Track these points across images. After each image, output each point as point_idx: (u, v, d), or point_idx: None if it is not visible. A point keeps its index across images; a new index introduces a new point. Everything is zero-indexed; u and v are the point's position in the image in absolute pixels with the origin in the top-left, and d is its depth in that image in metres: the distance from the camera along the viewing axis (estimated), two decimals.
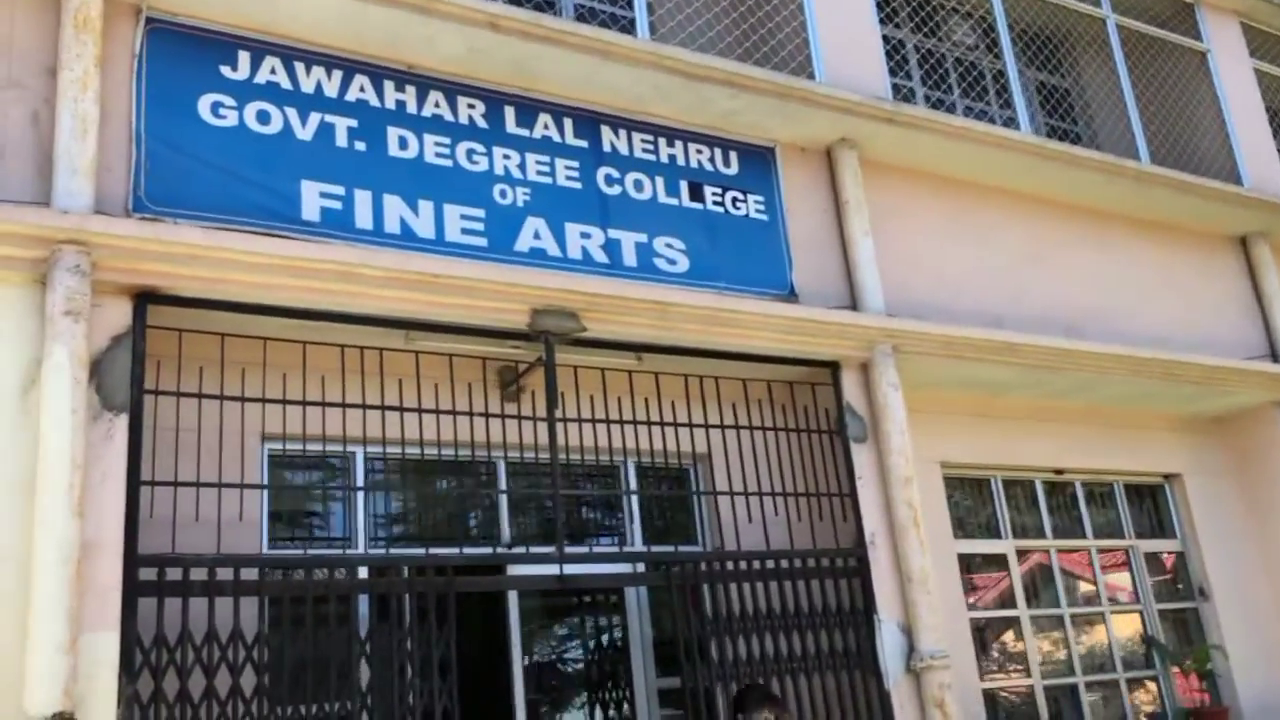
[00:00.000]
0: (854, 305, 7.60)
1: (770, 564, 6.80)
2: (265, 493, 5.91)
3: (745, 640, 6.59)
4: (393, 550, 6.24)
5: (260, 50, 6.00)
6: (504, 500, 6.60)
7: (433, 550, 5.92)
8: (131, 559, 4.96)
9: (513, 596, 6.43)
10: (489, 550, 6.35)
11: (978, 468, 8.70)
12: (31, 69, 5.34)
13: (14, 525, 4.71)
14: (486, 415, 6.24)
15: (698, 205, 7.23)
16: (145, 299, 5.31)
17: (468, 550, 6.16)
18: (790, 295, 7.36)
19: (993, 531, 8.71)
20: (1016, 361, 8.14)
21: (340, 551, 5.75)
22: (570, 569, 6.17)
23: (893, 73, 8.96)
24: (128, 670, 4.82)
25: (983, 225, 8.53)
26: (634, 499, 7.11)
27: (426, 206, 6.21)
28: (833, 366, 7.43)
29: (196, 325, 5.51)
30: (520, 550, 6.33)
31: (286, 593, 5.34)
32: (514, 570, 6.28)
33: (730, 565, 6.69)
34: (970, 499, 8.76)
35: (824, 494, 7.23)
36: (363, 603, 5.73)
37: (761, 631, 6.66)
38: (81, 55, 5.32)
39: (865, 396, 7.44)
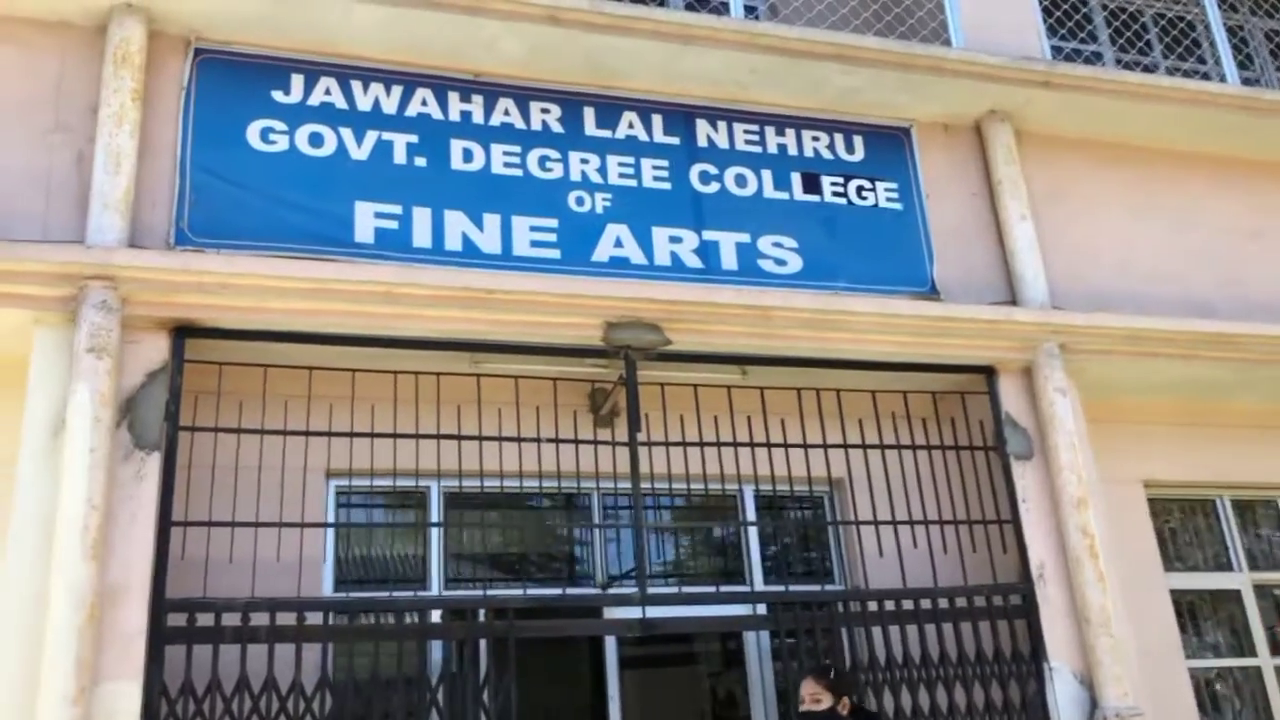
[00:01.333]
0: (1012, 300, 6.53)
1: (919, 604, 5.83)
2: (331, 532, 5.59)
3: (891, 693, 5.66)
4: (452, 592, 5.71)
5: (315, 72, 5.79)
6: (598, 535, 5.99)
7: (491, 592, 5.39)
8: (159, 603, 4.73)
9: (610, 643, 5.79)
10: (557, 591, 5.75)
11: (1196, 486, 7.30)
12: (77, 109, 5.33)
13: (38, 570, 4.56)
14: (572, 440, 5.68)
15: (813, 198, 6.43)
16: (183, 333, 5.13)
17: (532, 591, 5.61)
18: (931, 292, 6.40)
19: (1221, 564, 7.26)
20: (1235, 357, 6.77)
21: (388, 595, 5.33)
22: (660, 612, 5.49)
23: (1071, 35, 7.82)
24: None
25: (1180, 199, 7.20)
26: (753, 531, 6.32)
27: (492, 220, 5.77)
28: (987, 372, 6.39)
29: (238, 358, 5.28)
30: (592, 592, 5.71)
31: (328, 639, 4.95)
32: (611, 613, 5.66)
33: (870, 605, 5.79)
34: (1189, 525, 7.35)
35: (980, 521, 6.18)
36: (435, 647, 5.28)
37: (911, 683, 5.70)
38: (119, 90, 5.26)
39: (1029, 405, 6.35)
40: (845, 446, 6.11)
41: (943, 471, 6.25)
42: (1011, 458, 6.22)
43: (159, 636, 4.70)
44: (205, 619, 4.82)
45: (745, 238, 6.19)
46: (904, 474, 6.16)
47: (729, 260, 6.11)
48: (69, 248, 4.97)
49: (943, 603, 5.88)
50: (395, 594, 5.32)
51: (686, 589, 5.71)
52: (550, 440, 5.68)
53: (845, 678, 5.35)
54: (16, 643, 4.45)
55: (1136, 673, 5.92)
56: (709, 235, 6.13)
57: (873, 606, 5.78)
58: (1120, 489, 6.83)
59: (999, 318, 6.31)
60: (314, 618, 4.98)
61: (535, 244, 5.79)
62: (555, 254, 5.81)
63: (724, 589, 5.86)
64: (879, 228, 6.50)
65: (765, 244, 6.21)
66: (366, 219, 5.57)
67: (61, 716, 4.32)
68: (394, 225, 5.60)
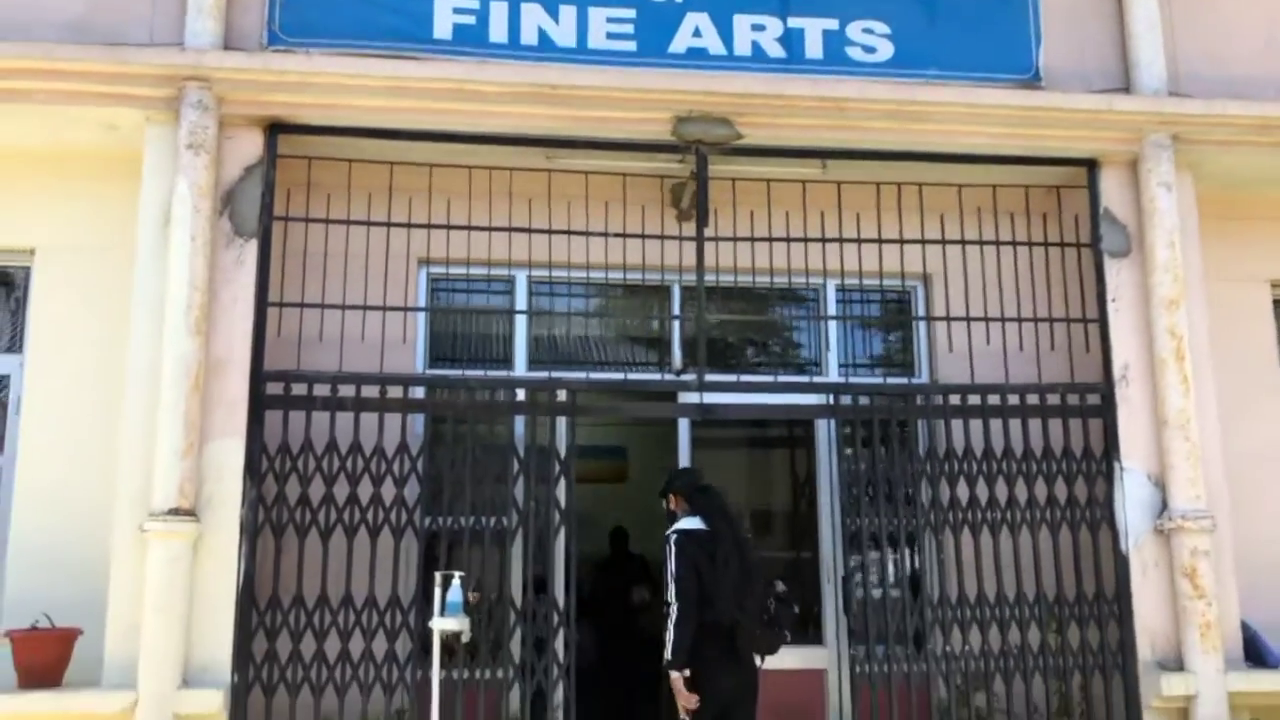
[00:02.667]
0: (1125, 87, 6.13)
1: (995, 399, 5.87)
2: (424, 316, 6.06)
3: (966, 484, 5.80)
4: (518, 373, 6.11)
5: None
6: (676, 326, 6.23)
7: (556, 374, 5.79)
8: (258, 374, 5.35)
9: (683, 427, 6.11)
10: (619, 376, 6.08)
11: None
12: None
13: (154, 344, 5.22)
14: (639, 235, 5.87)
15: None
16: (275, 129, 5.55)
17: (595, 376, 5.98)
18: (1034, 79, 6.08)
19: None
20: None
21: (460, 373, 5.78)
22: (732, 399, 5.78)
23: None
24: (252, 475, 5.26)
25: None
26: (832, 325, 6.41)
27: (568, 12, 5.84)
28: (1088, 165, 6.10)
29: (326, 153, 5.67)
30: (650, 377, 6.01)
31: (405, 410, 5.49)
32: (685, 398, 5.96)
33: (941, 399, 5.87)
34: None
35: (1066, 320, 6.06)
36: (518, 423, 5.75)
37: (989, 476, 5.81)
38: None
39: (1130, 200, 6.05)
40: (941, 242, 6.06)
41: (1028, 269, 6.12)
42: (1106, 255, 6.00)
43: (258, 403, 5.33)
44: (299, 389, 5.42)
45: (833, 24, 6.01)
46: (986, 270, 6.08)
47: (814, 48, 5.98)
48: (168, 50, 5.40)
49: (1019, 399, 5.89)
50: (467, 373, 5.77)
51: (746, 377, 5.89)
52: (629, 235, 5.89)
53: (674, 480, 5.42)
54: (139, 406, 5.17)
55: (1220, 478, 5.80)
56: (794, 22, 5.99)
57: (952, 400, 5.85)
58: (1240, 288, 6.48)
59: (1103, 107, 5.96)
60: (394, 391, 5.51)
61: (611, 35, 5.84)
62: (631, 46, 5.84)
63: (781, 378, 6.03)
64: (982, 8, 6.16)
65: (854, 30, 6.02)
66: (445, 15, 5.74)
67: (173, 466, 5.03)
68: (471, 20, 5.76)
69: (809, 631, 6.14)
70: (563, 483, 5.59)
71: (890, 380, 6.37)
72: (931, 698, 5.58)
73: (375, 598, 5.32)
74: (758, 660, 5.01)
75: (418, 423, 5.59)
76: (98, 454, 5.39)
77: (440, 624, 5.00)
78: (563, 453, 5.62)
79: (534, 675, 5.37)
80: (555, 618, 5.42)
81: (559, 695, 5.41)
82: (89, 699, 4.88)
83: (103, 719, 4.90)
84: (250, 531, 5.22)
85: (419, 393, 5.57)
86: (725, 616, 4.83)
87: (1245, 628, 5.72)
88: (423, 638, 5.15)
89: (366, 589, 5.32)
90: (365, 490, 5.41)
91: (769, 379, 5.91)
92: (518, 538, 5.55)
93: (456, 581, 5.04)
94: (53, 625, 5.05)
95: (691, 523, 5.09)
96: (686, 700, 4.80)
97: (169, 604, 4.93)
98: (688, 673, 4.79)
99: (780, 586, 5.14)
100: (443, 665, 5.15)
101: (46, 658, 4.99)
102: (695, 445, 6.19)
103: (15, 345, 5.79)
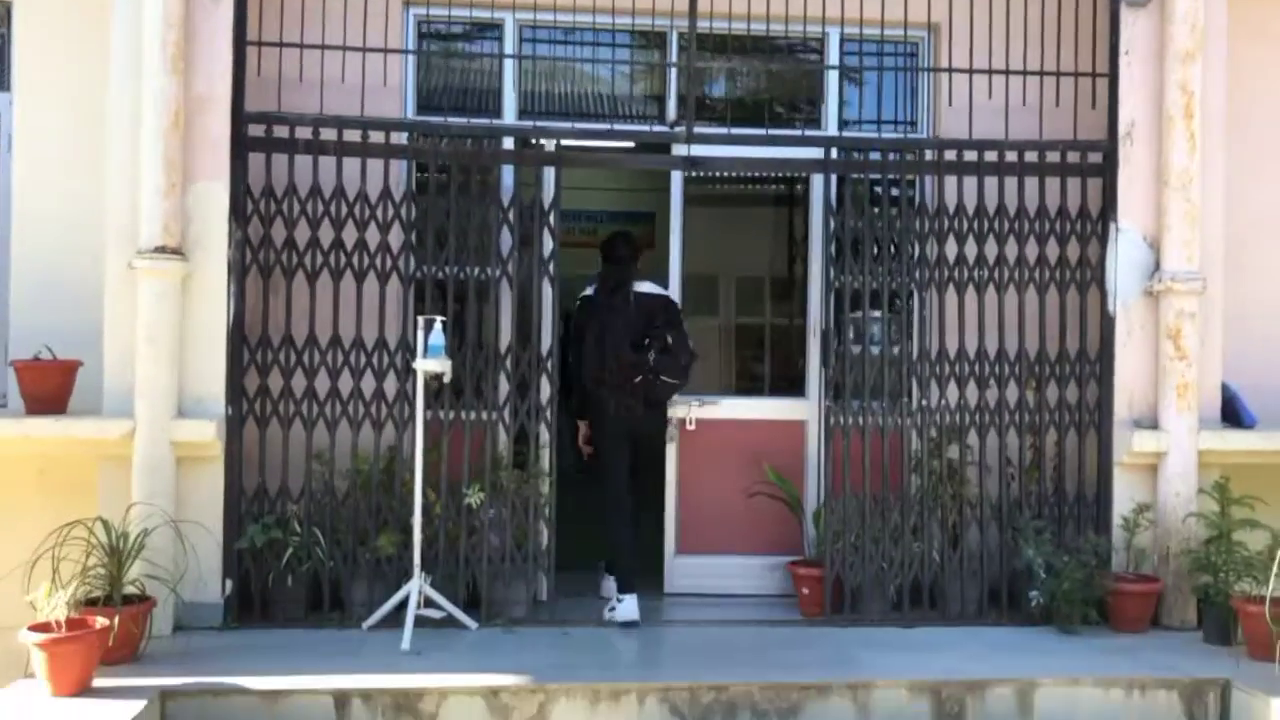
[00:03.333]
0: None
1: (994, 156, 5.74)
2: (410, 62, 5.94)
3: (957, 241, 5.76)
4: (502, 121, 6.03)
5: None
6: (672, 75, 6.07)
7: (541, 124, 5.69)
8: (239, 115, 5.33)
9: (675, 184, 6.04)
10: (605, 126, 5.97)
11: None
12: None
13: (132, 84, 5.16)
14: None
15: None
16: None
17: (580, 125, 5.89)
18: None
19: None
20: None
21: (442, 120, 5.71)
22: (711, 151, 5.69)
23: None
24: (237, 216, 5.32)
25: None
26: (831, 76, 6.21)
27: None
28: None
29: None
30: (636, 128, 5.90)
31: (388, 156, 5.47)
32: (678, 150, 5.87)
33: (936, 155, 5.75)
34: None
35: (1075, 73, 5.82)
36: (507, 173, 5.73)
37: (976, 233, 5.76)
38: None
39: None
40: None
41: (1038, 19, 5.84)
42: (1123, 4, 5.70)
43: (240, 144, 5.34)
44: (280, 131, 5.41)
45: None
46: (994, 20, 5.80)
47: None
48: None
49: (1018, 155, 5.75)
50: (452, 120, 5.70)
51: (736, 130, 5.77)
52: None
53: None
54: (122, 145, 5.18)
55: (1217, 241, 5.70)
56: None
57: (948, 155, 5.72)
58: (1265, 46, 6.17)
59: None
60: (376, 136, 5.48)
61: None
62: None
63: (773, 132, 5.90)
64: None
65: None
66: None
67: (156, 206, 5.09)
68: None
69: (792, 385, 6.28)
70: (547, 233, 5.61)
71: (888, 136, 6.21)
72: (904, 449, 5.71)
73: (363, 339, 5.47)
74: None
75: (403, 170, 5.57)
76: (90, 189, 5.44)
77: (423, 365, 5.16)
78: (548, 203, 5.61)
79: (517, 416, 5.55)
80: (537, 363, 5.56)
81: (543, 435, 5.61)
82: (90, 425, 5.13)
83: (104, 444, 5.16)
84: (238, 272, 5.33)
85: (403, 139, 5.53)
86: (596, 374, 5.55)
87: (1225, 389, 5.74)
88: (412, 379, 5.31)
89: (354, 331, 5.46)
90: (350, 235, 5.47)
91: (760, 132, 5.77)
92: (503, 286, 5.62)
93: (439, 325, 5.16)
94: (54, 356, 5.26)
95: (592, 288, 5.73)
96: (584, 440, 5.85)
97: (160, 338, 5.10)
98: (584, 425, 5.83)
99: (669, 339, 5.59)
100: (429, 405, 5.37)
101: (49, 387, 5.22)
102: (688, 204, 6.15)
103: (3, 83, 5.79)
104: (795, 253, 6.67)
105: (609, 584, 5.80)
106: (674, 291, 6.00)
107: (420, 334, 5.17)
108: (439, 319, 5.18)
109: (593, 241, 6.66)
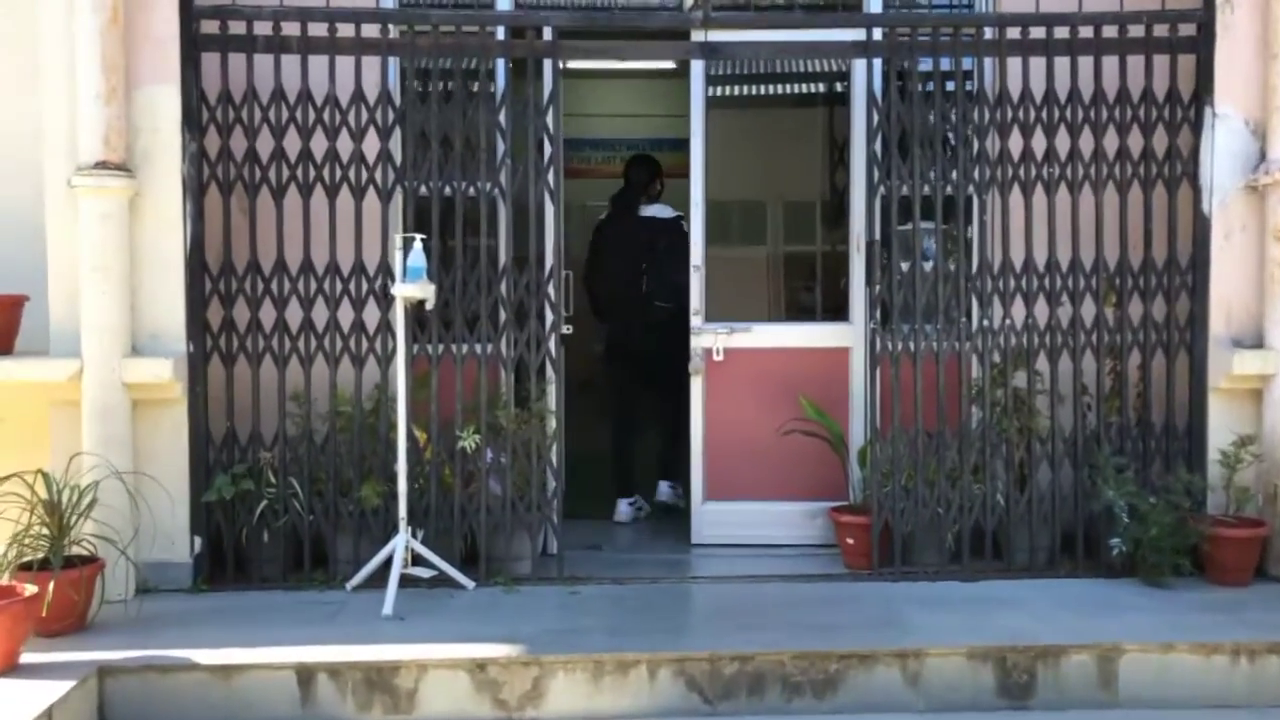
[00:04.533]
0: None
1: (1064, 32, 4.89)
2: None
3: (1022, 134, 4.93)
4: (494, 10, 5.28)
5: None
6: None
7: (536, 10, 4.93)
8: (189, 9, 4.66)
9: (696, 81, 5.27)
10: (606, 10, 5.20)
11: None
12: None
13: None
14: None
15: None
16: None
17: (581, 10, 5.13)
18: None
19: None
20: None
21: (421, 9, 4.98)
22: (732, 36, 4.90)
23: None
24: (190, 126, 4.68)
25: None
26: None
27: None
28: None
29: None
30: (644, 6, 5.12)
31: (359, 51, 4.77)
32: (696, 37, 5.10)
33: (997, 33, 4.91)
34: None
35: None
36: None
37: (1044, 124, 4.93)
38: None
39: None
40: None
41: None
42: None
43: (191, 43, 4.67)
44: (237, 26, 4.73)
45: None
46: None
47: None
48: None
49: (1093, 31, 4.90)
50: (431, 10, 4.97)
51: (761, 10, 4.97)
52: None
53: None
54: (56, 50, 4.54)
55: None
56: None
57: (1011, 33, 4.89)
58: None
59: None
60: (346, 30, 4.78)
61: None
62: None
63: (804, 7, 5.09)
64: None
65: None
66: None
67: (95, 114, 4.45)
68: None
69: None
70: (545, 138, 4.89)
71: (940, 12, 5.37)
72: (963, 377, 4.96)
73: (338, 263, 4.82)
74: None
75: (378, 69, 4.86)
76: (34, 105, 4.82)
77: (402, 290, 4.51)
78: (545, 100, 4.89)
79: (515, 347, 4.88)
80: (537, 288, 4.87)
81: (547, 370, 4.95)
82: (34, 366, 4.56)
83: (53, 388, 4.60)
84: (194, 189, 4.70)
85: (377, 33, 4.82)
86: (600, 296, 6.02)
87: None
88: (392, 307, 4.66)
89: (328, 255, 4.81)
90: (320, 145, 4.81)
91: (789, 12, 4.97)
92: (498, 201, 4.93)
93: (418, 245, 4.50)
94: None
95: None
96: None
97: (106, 266, 4.49)
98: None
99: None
100: (415, 337, 4.73)
101: None
102: (711, 106, 5.40)
103: None
104: (839, 159, 5.88)
105: (663, 487, 6.14)
106: (697, 209, 5.27)
107: (397, 254, 4.51)
108: (418, 237, 4.51)
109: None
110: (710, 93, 5.43)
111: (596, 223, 6.16)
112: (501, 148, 4.89)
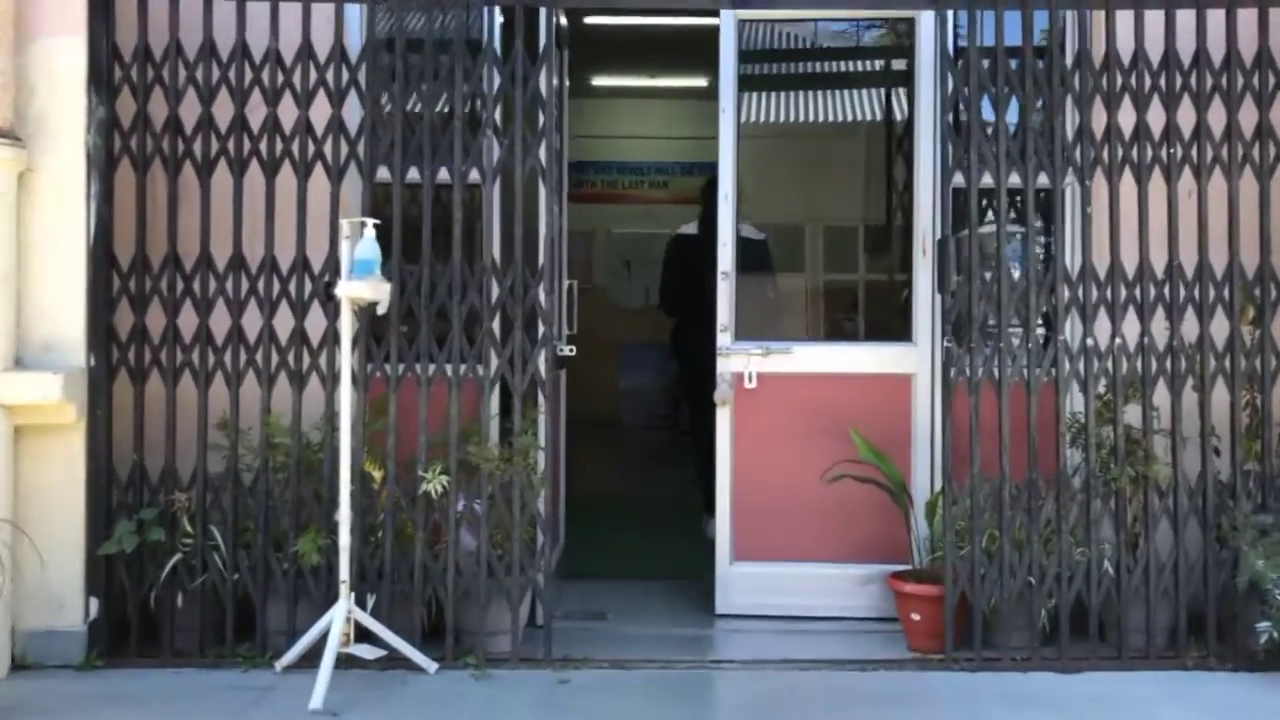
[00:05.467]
0: None
1: None
2: None
3: (1134, 105, 3.93)
4: None
5: None
6: None
7: None
8: None
9: (726, 50, 4.33)
10: None
11: None
12: None
13: None
14: None
15: None
16: None
17: None
18: None
19: None
20: None
21: None
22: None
23: None
24: (99, 87, 3.78)
25: None
26: None
27: None
28: None
29: None
30: None
31: None
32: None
33: None
34: None
35: None
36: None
37: (1161, 93, 3.93)
38: None
39: None
40: None
41: None
42: None
43: None
44: None
45: None
46: None
47: None
48: None
49: None
50: None
51: None
52: None
53: None
54: None
55: None
56: None
57: None
58: None
59: None
60: None
61: None
62: None
63: None
64: None
65: None
66: None
67: None
68: None
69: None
70: (538, 108, 3.95)
71: None
72: (1061, 408, 3.92)
73: (276, 258, 3.89)
74: None
75: (330, 19, 3.92)
76: None
77: (348, 289, 3.57)
78: (539, 55, 3.94)
79: (509, 367, 3.90)
80: (524, 292, 3.90)
81: (539, 399, 3.98)
82: None
83: None
84: (101, 164, 3.81)
85: None
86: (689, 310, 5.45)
87: None
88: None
89: (264, 246, 3.87)
90: (258, 112, 3.89)
91: None
92: (479, 186, 3.98)
93: (370, 231, 3.56)
94: None
95: (690, 227, 5.71)
96: None
97: None
98: None
99: None
100: (371, 355, 3.78)
101: None
102: (744, 86, 4.47)
103: None
104: (897, 148, 4.92)
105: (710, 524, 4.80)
106: (726, 204, 4.33)
107: (344, 243, 3.57)
108: (370, 222, 3.56)
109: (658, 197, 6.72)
110: (743, 70, 4.48)
111: (674, 242, 5.81)
112: (485, 119, 3.94)
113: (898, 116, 5.33)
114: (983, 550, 3.84)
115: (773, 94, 6.33)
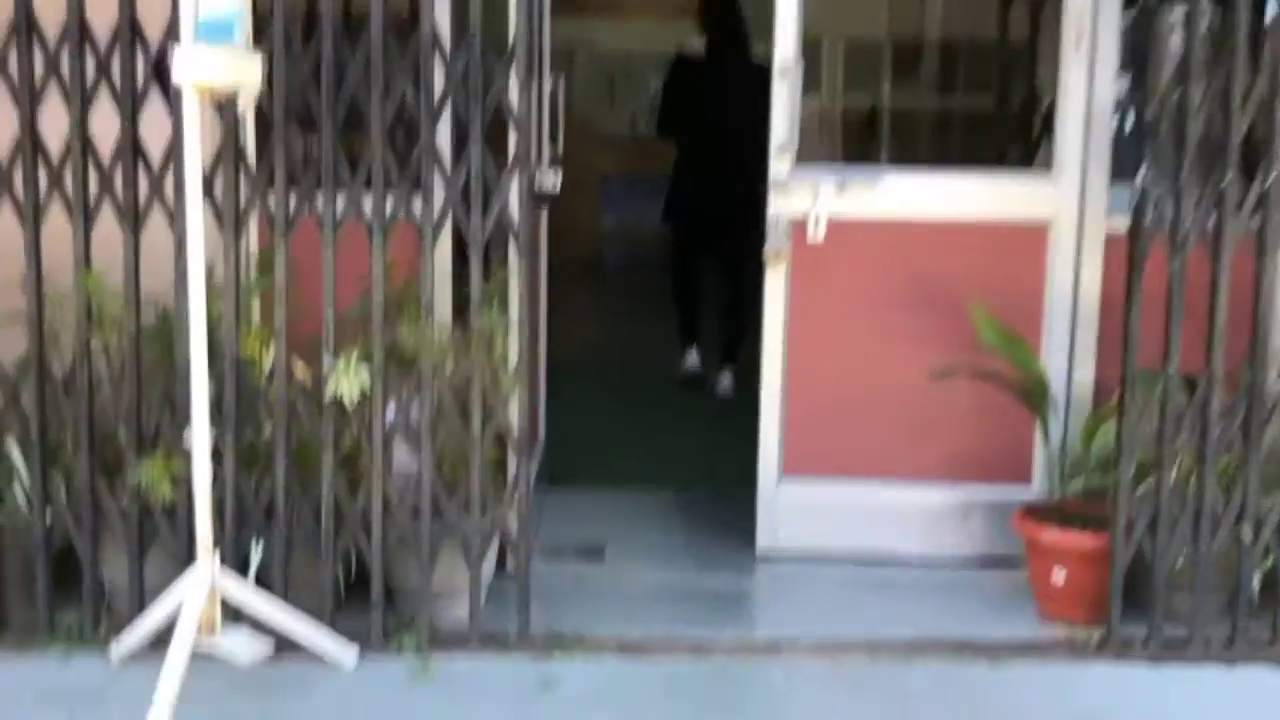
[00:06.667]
0: None
1: None
2: None
3: None
4: None
5: None
6: None
7: None
8: None
9: None
10: None
11: None
12: None
13: None
14: None
15: None
16: None
17: None
18: None
19: None
20: None
21: None
22: None
23: None
24: None
25: None
26: None
27: None
28: None
29: None
30: None
31: None
32: None
33: None
34: None
35: None
36: None
37: None
38: None
39: None
40: None
41: None
42: None
43: None
44: None
45: None
46: None
47: None
48: None
49: None
50: None
51: None
52: None
53: None
54: None
55: None
56: None
57: None
58: None
59: None
60: None
61: None
62: None
63: None
64: None
65: None
66: None
67: None
68: None
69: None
70: None
71: None
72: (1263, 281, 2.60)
73: (88, 22, 2.44)
74: None
75: None
76: None
77: (191, 66, 2.16)
78: None
79: (446, 212, 2.51)
80: (484, 89, 2.48)
81: (510, 255, 2.62)
82: None
83: None
84: None
85: None
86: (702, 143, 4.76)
87: None
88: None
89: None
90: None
91: None
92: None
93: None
94: None
95: (693, 45, 4.93)
96: None
97: None
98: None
99: None
100: (243, 177, 2.40)
101: None
102: None
103: None
104: None
105: (725, 381, 4.81)
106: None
107: None
108: None
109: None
110: None
111: (676, 65, 4.94)
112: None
113: None
114: (1172, 489, 2.58)
115: None
